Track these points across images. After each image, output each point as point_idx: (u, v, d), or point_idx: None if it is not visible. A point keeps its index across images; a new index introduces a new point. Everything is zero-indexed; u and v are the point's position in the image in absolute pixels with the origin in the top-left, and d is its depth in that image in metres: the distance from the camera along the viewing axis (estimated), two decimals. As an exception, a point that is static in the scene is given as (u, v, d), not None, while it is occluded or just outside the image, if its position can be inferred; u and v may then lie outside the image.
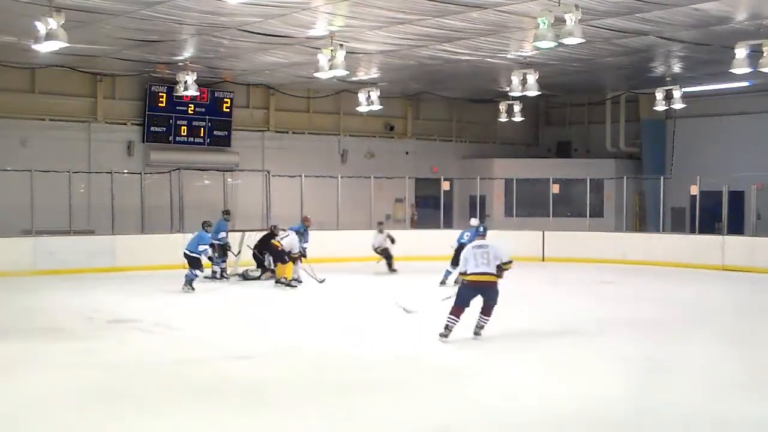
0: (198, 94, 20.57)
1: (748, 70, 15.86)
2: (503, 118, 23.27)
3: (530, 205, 24.06)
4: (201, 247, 15.43)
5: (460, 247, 13.37)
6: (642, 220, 25.60)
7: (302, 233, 16.83)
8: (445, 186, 24.17)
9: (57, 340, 10.25)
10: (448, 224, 24.48)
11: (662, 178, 22.88)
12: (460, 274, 10.33)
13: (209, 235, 16.27)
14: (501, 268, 9.91)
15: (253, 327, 11.70)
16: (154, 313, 12.08)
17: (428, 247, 21.54)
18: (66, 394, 7.58)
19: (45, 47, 12.66)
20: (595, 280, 17.40)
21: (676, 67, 20.36)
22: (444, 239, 21.13)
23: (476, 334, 10.05)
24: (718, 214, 21.21)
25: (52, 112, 20.59)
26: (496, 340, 10.31)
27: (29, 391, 7.71)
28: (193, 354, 9.57)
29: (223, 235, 17.41)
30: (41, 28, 12.15)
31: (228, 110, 22.66)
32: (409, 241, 21.56)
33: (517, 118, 22.93)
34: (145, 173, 20.75)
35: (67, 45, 12.64)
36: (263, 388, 7.78)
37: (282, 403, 7.27)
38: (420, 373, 8.48)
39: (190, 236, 18.35)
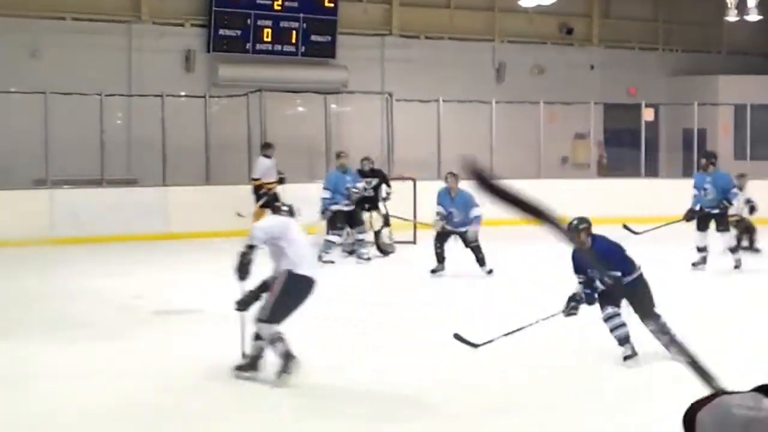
0: (289, -18, 20.79)
1: None
2: (732, 17, 22.46)
3: (772, 142, 23.53)
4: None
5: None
6: None
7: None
8: (648, 115, 23.88)
9: (83, 338, 10.12)
10: (652, 171, 23.79)
11: None
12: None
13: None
14: None
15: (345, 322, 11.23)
16: (219, 300, 10.78)
17: (623, 203, 20.86)
18: (95, 411, 7.65)
19: None
20: None
21: None
22: (648, 191, 21.69)
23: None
24: None
25: (76, 8, 20.25)
26: None
27: (45, 408, 7.69)
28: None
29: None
30: None
31: (332, 5, 22.08)
32: (595, 194, 21.08)
33: (753, 17, 22.25)
34: (211, 96, 20.31)
35: None
36: (350, 400, 7.96)
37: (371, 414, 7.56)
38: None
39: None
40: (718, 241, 13.83)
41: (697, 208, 13.77)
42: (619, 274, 8.14)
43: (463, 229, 13.66)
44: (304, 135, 21.29)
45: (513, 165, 20.75)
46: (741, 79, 25.37)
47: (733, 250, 13.73)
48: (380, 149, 21.03)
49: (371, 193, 16.44)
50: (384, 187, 16.63)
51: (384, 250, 16.25)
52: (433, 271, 13.66)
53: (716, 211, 13.60)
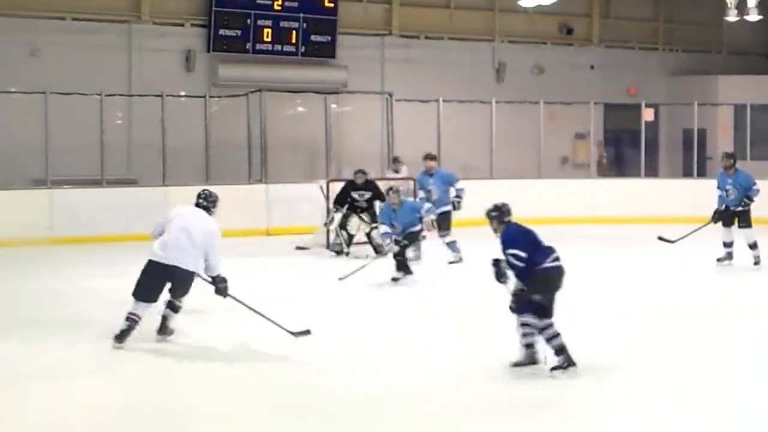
0: (289, -18, 20.86)
1: None
2: (732, 17, 22.25)
3: (772, 142, 23.23)
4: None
5: None
6: None
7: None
8: (648, 115, 23.57)
9: (84, 338, 9.99)
10: (652, 171, 23.87)
11: None
12: None
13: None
14: None
15: (359, 320, 11.41)
16: (219, 300, 10.76)
17: (623, 203, 20.94)
18: (95, 411, 7.54)
19: None
20: None
21: None
22: (648, 192, 21.76)
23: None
24: None
25: (76, 8, 20.17)
26: None
27: (44, 409, 7.57)
28: (278, 358, 9.27)
29: None
30: None
31: (332, 6, 22.04)
32: (595, 194, 21.47)
33: (753, 17, 22.02)
34: (211, 96, 20.12)
35: None
36: (346, 399, 7.84)
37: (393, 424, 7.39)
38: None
39: (274, 188, 19.23)
40: (739, 237, 14.12)
41: (722, 208, 14.17)
42: (523, 254, 7.98)
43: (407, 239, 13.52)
44: (304, 135, 21.31)
45: (513, 165, 21.31)
46: (741, 79, 25.33)
47: (753, 246, 14.01)
48: (380, 149, 21.03)
49: (365, 204, 16.38)
50: (378, 203, 16.19)
51: (378, 250, 15.87)
52: (394, 279, 13.41)
53: (739, 208, 13.99)
